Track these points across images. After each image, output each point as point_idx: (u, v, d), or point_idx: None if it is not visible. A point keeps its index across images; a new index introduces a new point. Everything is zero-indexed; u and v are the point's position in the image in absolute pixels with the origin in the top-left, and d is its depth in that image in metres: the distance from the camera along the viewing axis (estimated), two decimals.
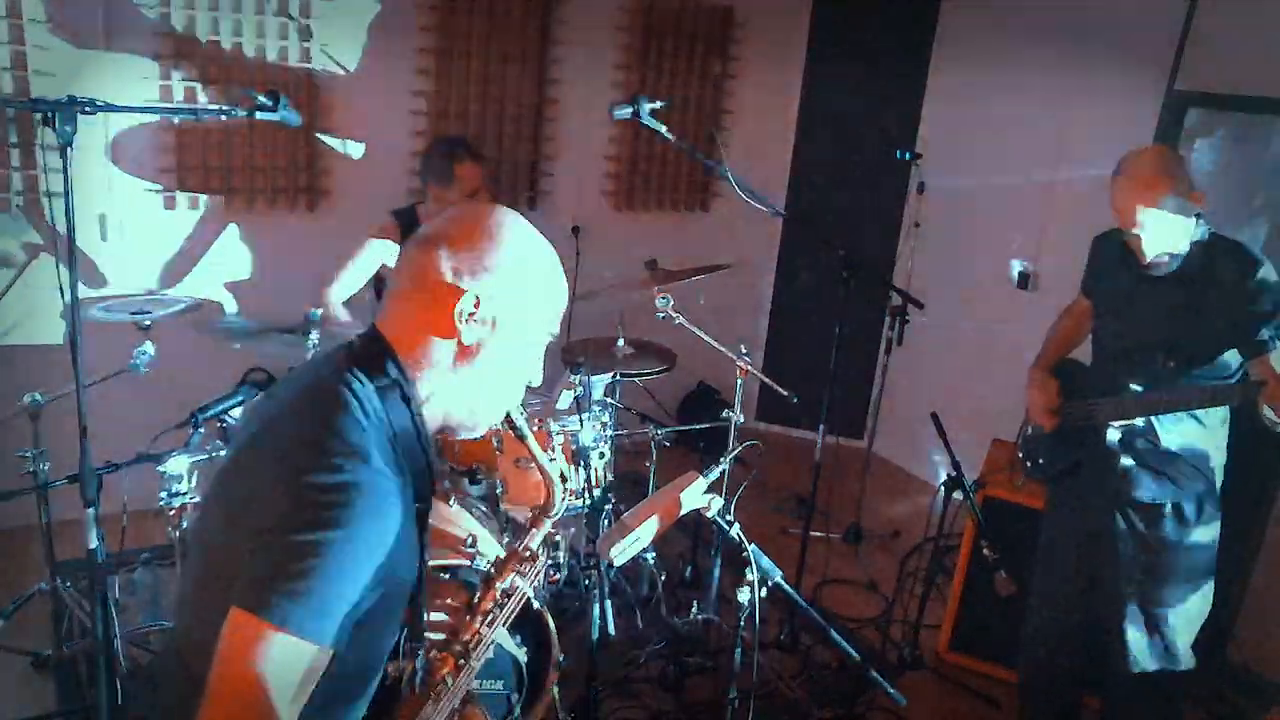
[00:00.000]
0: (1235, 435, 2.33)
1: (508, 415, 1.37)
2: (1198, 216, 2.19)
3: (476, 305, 1.20)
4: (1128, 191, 2.17)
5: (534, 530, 1.48)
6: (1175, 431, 2.26)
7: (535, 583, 1.50)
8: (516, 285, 1.23)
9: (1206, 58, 3.45)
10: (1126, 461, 2.30)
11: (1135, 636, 2.38)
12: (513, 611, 1.46)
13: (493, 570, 1.47)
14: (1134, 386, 2.23)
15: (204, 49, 3.50)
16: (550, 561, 3.07)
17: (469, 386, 1.26)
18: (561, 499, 1.48)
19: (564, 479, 1.49)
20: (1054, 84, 4.04)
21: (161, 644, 2.86)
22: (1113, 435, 2.29)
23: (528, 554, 1.47)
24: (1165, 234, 2.16)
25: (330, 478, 1.07)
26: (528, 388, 1.34)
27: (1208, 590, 2.36)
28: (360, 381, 1.19)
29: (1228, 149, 3.47)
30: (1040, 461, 2.57)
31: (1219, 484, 2.33)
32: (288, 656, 1.04)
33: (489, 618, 1.43)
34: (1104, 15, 3.82)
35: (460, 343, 1.22)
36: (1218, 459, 2.32)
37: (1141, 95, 3.65)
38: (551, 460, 1.48)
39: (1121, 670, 2.41)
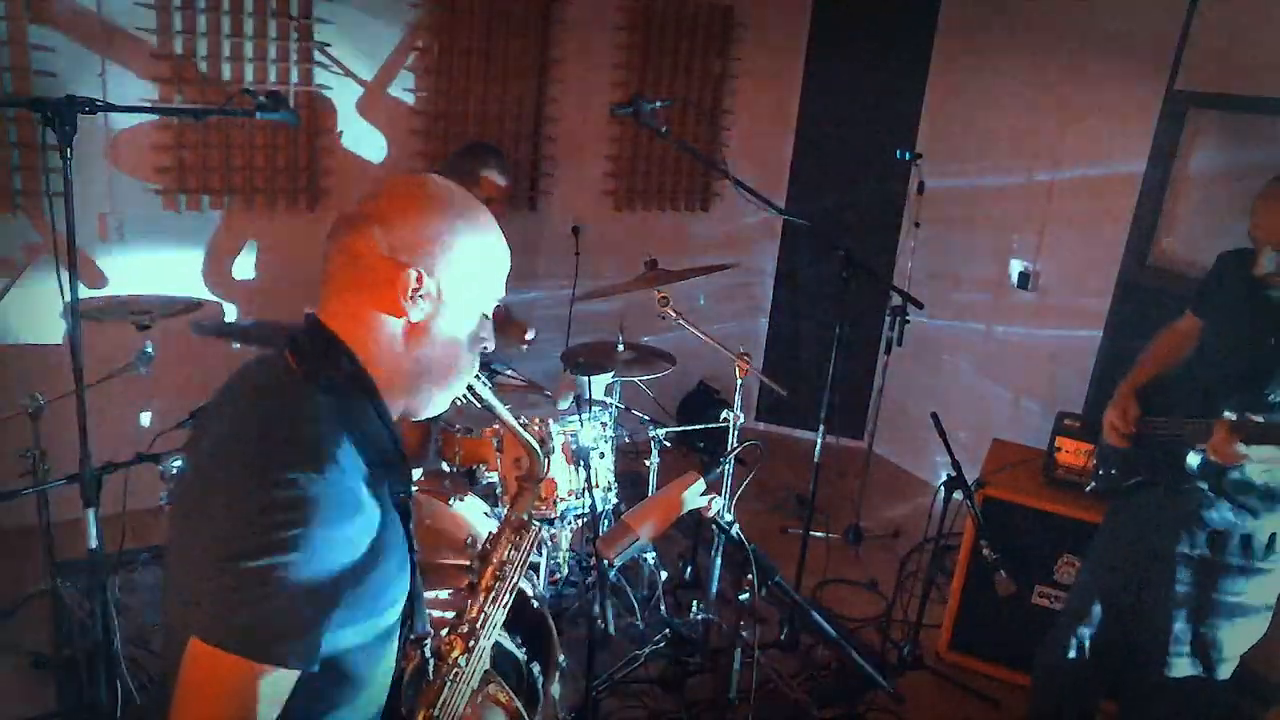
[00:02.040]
0: None
1: (471, 388, 1.34)
2: None
3: (420, 280, 1.17)
4: (1265, 207, 2.11)
5: (521, 498, 1.48)
6: (1263, 463, 2.15)
7: (531, 553, 1.49)
8: (457, 253, 1.20)
9: (1206, 58, 3.45)
10: (1202, 486, 2.23)
11: (1178, 649, 2.33)
12: (514, 585, 1.46)
13: (488, 545, 1.47)
14: (1228, 413, 2.10)
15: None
16: (551, 561, 3.08)
17: (425, 364, 1.22)
18: (544, 462, 1.47)
19: (542, 442, 1.48)
20: (1054, 84, 4.04)
21: (160, 658, 2.86)
22: (1192, 460, 2.21)
23: (519, 524, 1.47)
24: None
25: (281, 495, 1.03)
26: (496, 366, 1.33)
27: (1265, 617, 2.30)
28: (314, 384, 1.15)
29: (1228, 149, 3.47)
30: (1113, 472, 2.50)
31: None
32: (249, 684, 1.02)
33: (492, 594, 1.43)
34: (1104, 15, 3.83)
35: (409, 321, 1.19)
36: None
37: (1141, 95, 3.65)
38: (524, 426, 1.47)
39: (1154, 676, 2.37)
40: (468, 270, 1.22)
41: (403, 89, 3.96)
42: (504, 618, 1.45)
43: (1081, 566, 2.61)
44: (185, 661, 1.04)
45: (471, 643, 1.39)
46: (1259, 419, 2.04)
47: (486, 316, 1.28)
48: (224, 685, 1.02)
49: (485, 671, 1.45)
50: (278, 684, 1.05)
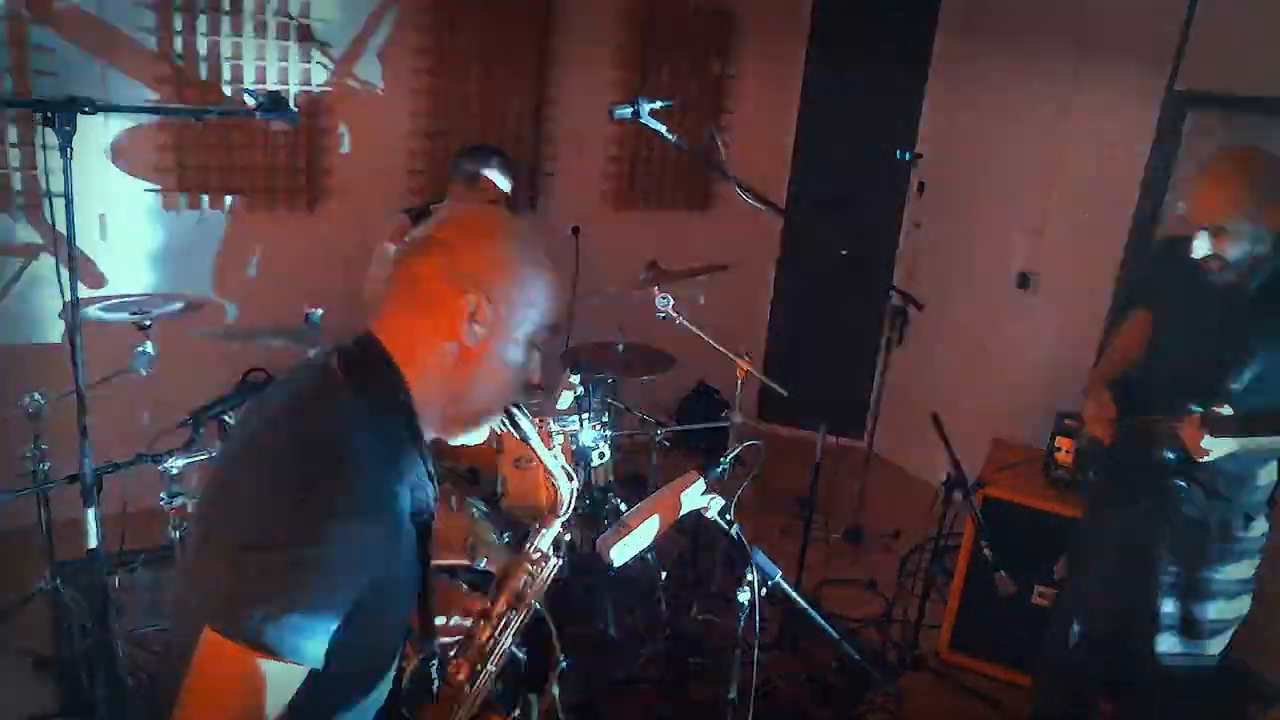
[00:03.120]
0: None
1: (511, 417, 1.36)
2: (1268, 241, 2.09)
3: (479, 306, 1.20)
4: (1203, 185, 2.09)
5: (544, 530, 1.48)
6: (1226, 452, 2.14)
7: (548, 583, 1.48)
8: (517, 285, 1.23)
9: (1206, 58, 3.45)
10: (1179, 481, 2.24)
11: (1167, 635, 2.34)
12: (528, 614, 1.46)
13: (504, 573, 1.47)
14: (1195, 407, 2.11)
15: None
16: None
17: (469, 389, 1.25)
18: (570, 497, 1.47)
19: (570, 477, 1.48)
20: (1054, 84, 4.04)
21: (160, 651, 2.86)
22: (1168, 456, 2.23)
23: (538, 555, 1.47)
24: (1224, 244, 2.06)
25: (311, 494, 1.06)
26: (528, 385, 1.33)
27: (1246, 597, 2.33)
28: (355, 391, 1.17)
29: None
30: (1093, 475, 2.52)
31: (1269, 495, 2.27)
32: (260, 676, 1.03)
33: (503, 622, 1.43)
34: (1104, 15, 3.82)
35: (462, 345, 1.21)
36: (1268, 473, 2.26)
37: (1141, 95, 3.65)
38: (556, 458, 1.47)
39: (1147, 666, 2.38)
40: (525, 302, 1.25)
41: (403, 89, 3.96)
42: (510, 645, 1.45)
43: (1067, 566, 2.61)
44: (197, 650, 1.05)
45: (478, 667, 1.39)
46: (1225, 410, 2.05)
47: (536, 349, 1.30)
48: (232, 676, 1.03)
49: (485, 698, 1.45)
50: (285, 678, 1.05)
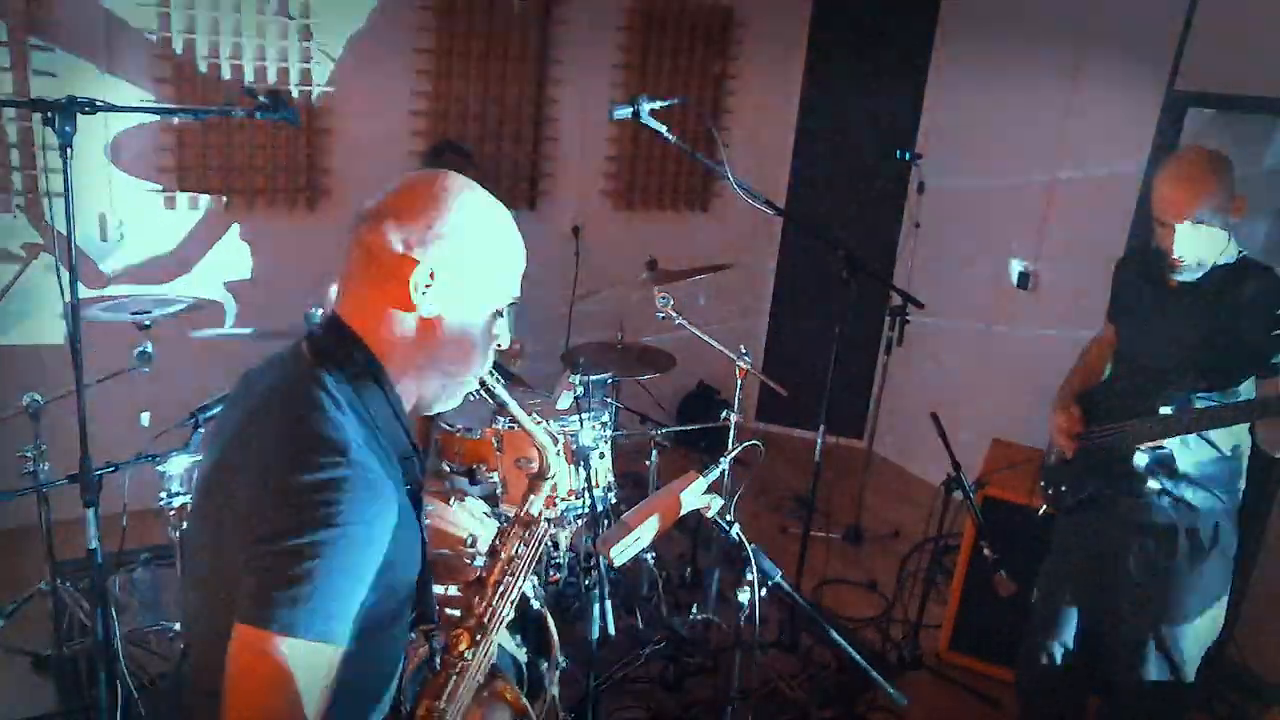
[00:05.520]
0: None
1: (483, 384, 1.35)
2: (1230, 233, 2.15)
3: (432, 276, 1.18)
4: (1171, 186, 2.12)
5: (532, 495, 1.48)
6: (1193, 456, 2.21)
7: (540, 550, 1.49)
8: (470, 249, 1.21)
9: (1206, 58, 3.45)
10: (1151, 485, 2.24)
11: (1144, 654, 2.34)
12: (522, 580, 1.46)
13: (497, 541, 1.47)
14: (1164, 409, 2.14)
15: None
16: (551, 559, 3.08)
17: (437, 359, 1.23)
18: (555, 461, 1.48)
19: (554, 439, 1.48)
20: (1054, 84, 4.04)
21: (173, 657, 2.86)
22: (1140, 459, 2.23)
23: (528, 520, 1.47)
24: (1200, 237, 2.10)
25: (314, 476, 1.06)
26: (508, 366, 1.33)
27: (1220, 610, 2.33)
28: (329, 374, 1.17)
29: (1227, 149, 3.46)
30: (1062, 489, 2.52)
31: (1238, 505, 2.29)
32: (300, 663, 1.03)
33: (500, 589, 1.43)
34: (1104, 15, 3.82)
35: (421, 316, 1.20)
36: (1237, 482, 2.28)
37: (1141, 95, 3.65)
38: (537, 423, 1.47)
39: (1127, 679, 2.38)
40: (481, 267, 1.22)
41: (403, 89, 3.96)
42: (511, 613, 1.45)
43: (1039, 582, 2.61)
44: (233, 649, 1.04)
45: (479, 637, 1.39)
46: (1197, 406, 2.09)
47: (500, 314, 1.28)
48: (276, 667, 1.02)
49: (492, 667, 1.45)
50: (321, 661, 1.05)
